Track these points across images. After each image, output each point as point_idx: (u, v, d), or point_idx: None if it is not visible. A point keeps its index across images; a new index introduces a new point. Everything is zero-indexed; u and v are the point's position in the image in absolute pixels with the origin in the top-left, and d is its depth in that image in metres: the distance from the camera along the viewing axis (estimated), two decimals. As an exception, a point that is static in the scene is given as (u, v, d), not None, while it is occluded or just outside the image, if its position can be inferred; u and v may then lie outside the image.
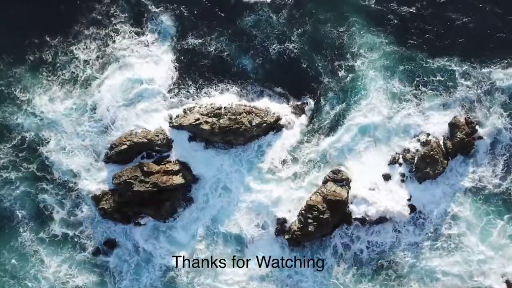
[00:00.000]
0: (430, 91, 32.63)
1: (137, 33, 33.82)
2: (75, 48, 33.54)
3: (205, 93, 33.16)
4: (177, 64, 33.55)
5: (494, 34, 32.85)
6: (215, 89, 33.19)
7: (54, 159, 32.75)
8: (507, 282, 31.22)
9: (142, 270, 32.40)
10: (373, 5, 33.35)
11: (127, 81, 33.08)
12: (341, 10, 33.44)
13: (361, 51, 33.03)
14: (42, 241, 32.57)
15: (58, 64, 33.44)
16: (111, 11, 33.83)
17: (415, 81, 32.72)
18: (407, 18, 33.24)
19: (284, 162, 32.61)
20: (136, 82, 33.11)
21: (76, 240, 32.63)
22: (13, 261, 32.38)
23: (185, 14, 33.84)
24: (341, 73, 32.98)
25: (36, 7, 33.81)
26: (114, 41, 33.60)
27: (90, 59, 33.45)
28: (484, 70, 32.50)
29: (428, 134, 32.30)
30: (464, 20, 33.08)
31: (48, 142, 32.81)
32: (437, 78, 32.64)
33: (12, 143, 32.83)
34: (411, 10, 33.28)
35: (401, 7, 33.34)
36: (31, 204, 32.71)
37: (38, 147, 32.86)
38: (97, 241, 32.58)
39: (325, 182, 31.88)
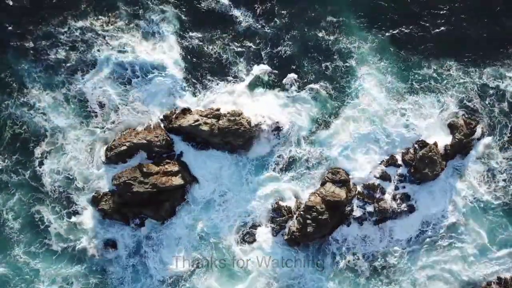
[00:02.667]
0: (427, 91, 32.71)
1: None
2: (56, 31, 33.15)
3: (203, 92, 33.22)
4: (180, 58, 33.45)
5: (488, 34, 33.04)
6: (214, 90, 33.22)
7: (48, 159, 32.57)
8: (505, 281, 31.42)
9: (140, 278, 32.21)
10: (365, 4, 33.50)
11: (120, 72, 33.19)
12: (335, 8, 33.62)
13: (356, 50, 33.06)
14: (36, 251, 32.00)
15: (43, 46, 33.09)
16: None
17: (411, 81, 32.82)
18: (401, 18, 33.38)
19: (283, 162, 32.67)
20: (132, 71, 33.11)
21: (74, 252, 32.22)
22: (5, 273, 31.76)
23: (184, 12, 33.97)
24: (336, 73, 33.05)
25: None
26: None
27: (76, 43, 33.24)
28: (479, 71, 32.67)
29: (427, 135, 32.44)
30: (458, 20, 33.25)
31: (43, 140, 32.65)
32: (433, 77, 32.73)
33: (5, 141, 32.52)
34: (405, 10, 33.47)
35: (396, 7, 33.54)
36: (25, 211, 32.26)
37: (32, 145, 32.64)
38: (97, 243, 32.30)
39: (323, 183, 31.97)
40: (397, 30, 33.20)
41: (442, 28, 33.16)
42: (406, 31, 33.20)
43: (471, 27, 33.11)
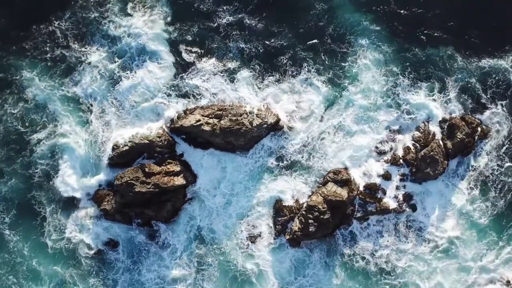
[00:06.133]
0: (425, 87, 32.63)
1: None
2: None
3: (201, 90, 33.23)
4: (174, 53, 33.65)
5: (488, 23, 32.83)
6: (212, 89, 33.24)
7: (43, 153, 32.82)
8: (507, 282, 31.34)
9: (139, 281, 32.22)
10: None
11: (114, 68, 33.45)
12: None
13: (354, 42, 33.05)
14: (33, 253, 32.19)
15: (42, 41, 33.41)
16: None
17: (409, 76, 32.72)
18: (400, 8, 33.26)
19: (284, 162, 32.70)
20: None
21: (74, 253, 32.46)
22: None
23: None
24: (331, 63, 33.01)
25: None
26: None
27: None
28: (478, 63, 32.50)
29: (428, 134, 32.36)
30: (456, 10, 33.08)
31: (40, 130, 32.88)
32: (431, 71, 32.62)
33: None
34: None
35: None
36: (23, 207, 32.48)
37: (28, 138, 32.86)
38: (97, 243, 32.37)
39: (325, 182, 31.99)
40: (396, 23, 33.12)
41: (440, 13, 32.92)
42: (405, 23, 33.09)
43: (471, 12, 32.91)
